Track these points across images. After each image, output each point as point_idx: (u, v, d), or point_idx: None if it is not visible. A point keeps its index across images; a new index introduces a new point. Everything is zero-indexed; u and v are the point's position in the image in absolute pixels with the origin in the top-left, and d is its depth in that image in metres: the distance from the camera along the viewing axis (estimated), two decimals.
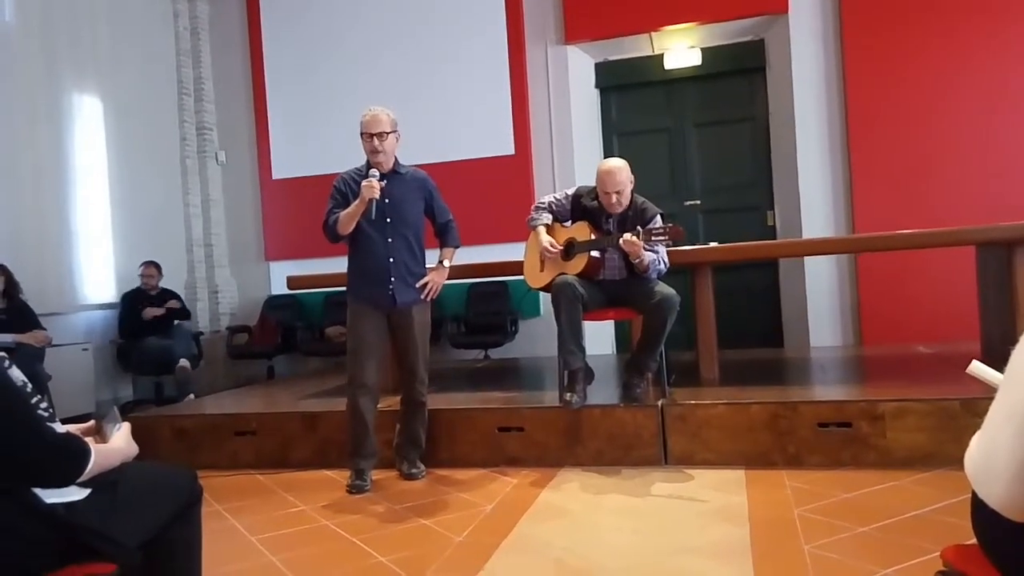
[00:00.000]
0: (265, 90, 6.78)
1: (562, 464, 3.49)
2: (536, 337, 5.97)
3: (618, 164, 3.55)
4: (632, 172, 3.58)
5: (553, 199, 3.81)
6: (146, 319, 5.63)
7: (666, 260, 3.58)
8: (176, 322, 5.86)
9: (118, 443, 1.60)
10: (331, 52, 6.59)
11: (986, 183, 5.25)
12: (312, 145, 6.46)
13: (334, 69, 6.55)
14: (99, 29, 5.99)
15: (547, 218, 3.75)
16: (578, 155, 6.08)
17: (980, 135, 5.31)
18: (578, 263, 3.55)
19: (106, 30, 6.04)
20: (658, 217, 3.56)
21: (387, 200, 3.30)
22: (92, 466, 1.45)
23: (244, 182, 6.89)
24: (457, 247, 3.60)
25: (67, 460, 1.42)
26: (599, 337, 5.90)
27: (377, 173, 3.27)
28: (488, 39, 6.21)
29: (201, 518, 1.74)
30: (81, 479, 1.44)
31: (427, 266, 3.50)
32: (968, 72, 5.34)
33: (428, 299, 3.47)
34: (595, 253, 3.54)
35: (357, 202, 3.24)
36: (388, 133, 3.32)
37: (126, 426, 1.66)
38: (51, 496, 1.43)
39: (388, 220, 3.33)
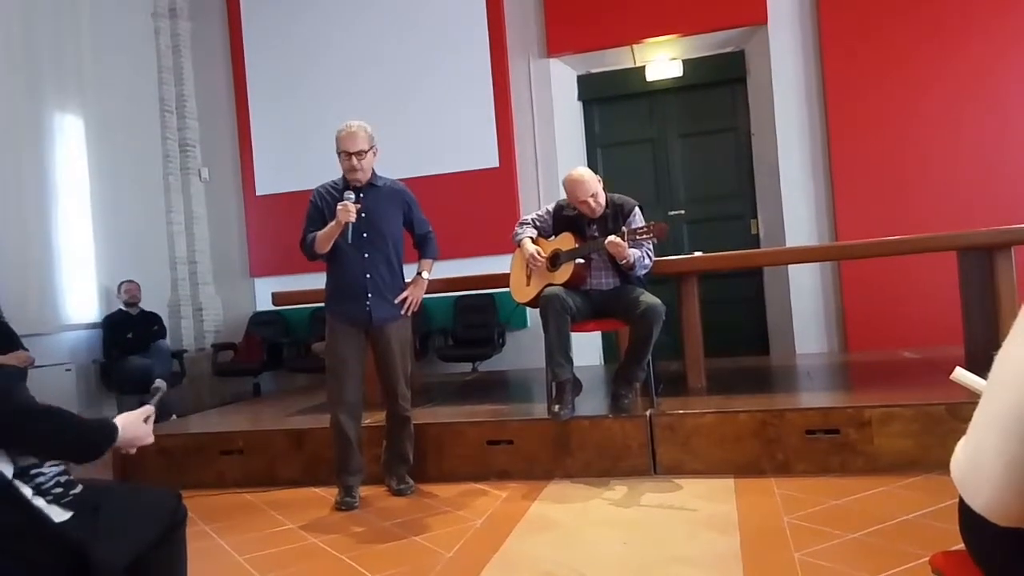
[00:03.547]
0: (248, 106, 6.77)
1: (551, 476, 3.48)
2: (524, 349, 5.96)
3: (583, 170, 3.62)
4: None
5: (536, 215, 3.84)
6: None
7: (651, 254, 3.62)
8: (156, 341, 5.79)
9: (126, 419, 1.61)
10: (314, 67, 6.59)
11: (966, 189, 5.32)
12: (296, 161, 6.44)
13: (317, 84, 6.55)
14: (81, 47, 5.96)
15: (531, 232, 3.76)
16: (562, 167, 6.07)
17: (959, 142, 5.38)
18: (564, 272, 3.56)
19: (88, 48, 6.01)
20: (637, 209, 3.61)
21: (363, 215, 3.24)
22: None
23: (228, 199, 6.86)
24: (435, 259, 3.56)
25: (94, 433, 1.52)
26: (586, 348, 5.91)
27: (352, 196, 3.21)
28: (471, 53, 6.24)
29: (186, 540, 1.71)
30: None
31: (405, 280, 3.47)
32: (946, 80, 5.41)
33: (407, 314, 3.44)
34: (580, 261, 3.55)
35: (333, 224, 3.19)
36: (367, 151, 3.27)
37: (148, 409, 1.69)
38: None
39: (364, 235, 3.27)
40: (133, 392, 5.65)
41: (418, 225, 3.52)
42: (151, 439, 1.68)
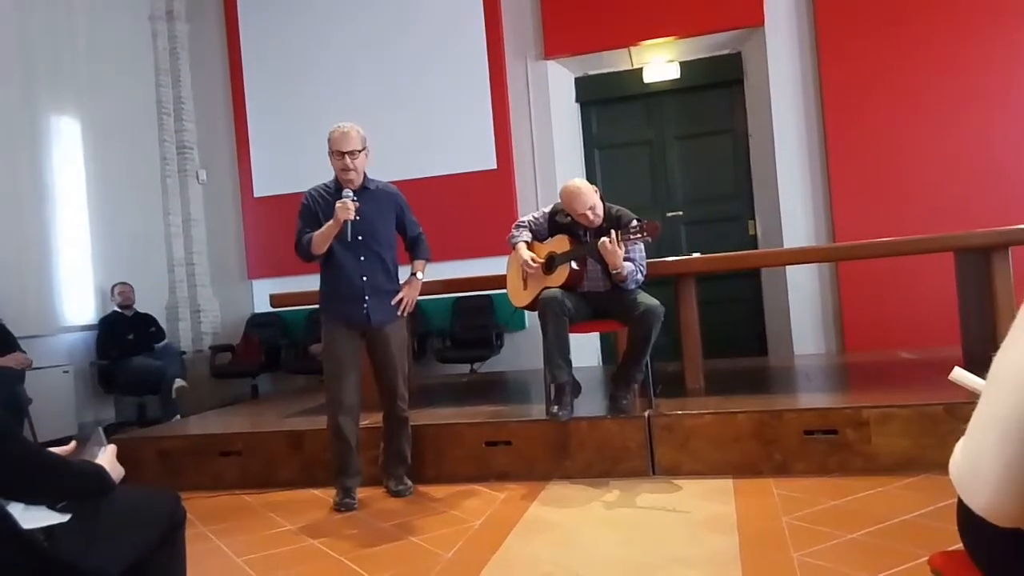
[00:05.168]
0: (245, 108, 6.76)
1: (550, 477, 3.48)
2: (522, 350, 5.97)
3: (580, 183, 3.59)
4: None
5: (531, 218, 3.83)
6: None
7: (644, 269, 3.61)
8: (162, 342, 5.80)
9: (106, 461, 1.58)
10: (311, 69, 6.59)
11: (963, 190, 5.32)
12: (293, 162, 6.42)
13: (314, 86, 6.55)
14: (78, 50, 5.96)
15: (526, 236, 3.76)
16: (560, 168, 6.11)
17: (956, 143, 5.39)
18: (560, 275, 3.56)
19: (85, 51, 6.01)
20: (635, 221, 3.58)
21: (358, 217, 3.22)
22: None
23: (225, 201, 6.86)
24: (428, 259, 3.55)
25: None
26: (585, 349, 5.91)
27: (351, 193, 3.21)
28: (468, 55, 6.24)
29: (185, 541, 1.71)
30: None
31: (400, 281, 3.46)
32: (943, 80, 5.42)
33: (403, 315, 3.44)
34: (575, 264, 3.55)
35: (332, 223, 3.17)
36: (359, 151, 3.26)
37: (111, 448, 1.64)
38: (30, 521, 1.40)
39: (359, 238, 3.27)
40: (138, 393, 5.67)
41: (410, 227, 3.52)
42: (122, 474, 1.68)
